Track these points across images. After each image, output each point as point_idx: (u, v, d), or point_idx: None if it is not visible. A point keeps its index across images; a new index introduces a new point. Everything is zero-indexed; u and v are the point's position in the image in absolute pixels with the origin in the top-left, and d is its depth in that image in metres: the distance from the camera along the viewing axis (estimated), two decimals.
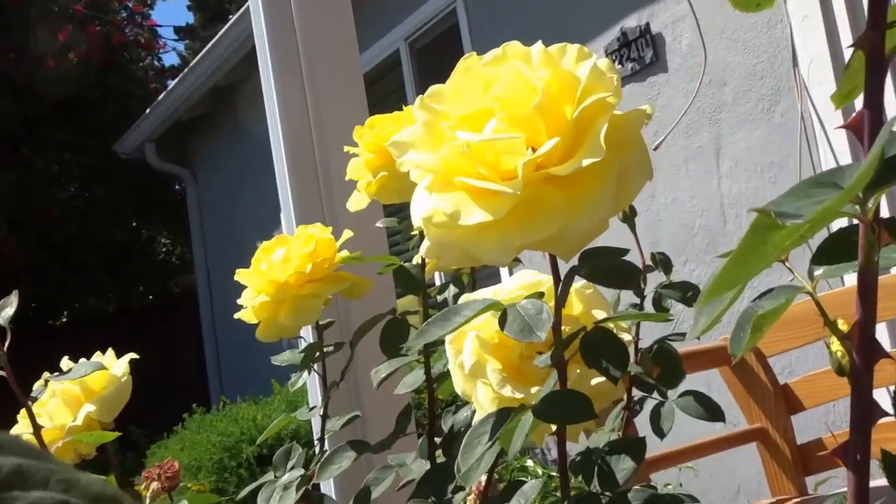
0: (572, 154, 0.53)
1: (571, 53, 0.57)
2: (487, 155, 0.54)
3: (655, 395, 0.91)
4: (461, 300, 0.67)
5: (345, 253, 1.03)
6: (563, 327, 0.64)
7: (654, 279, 0.92)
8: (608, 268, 0.62)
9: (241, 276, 0.98)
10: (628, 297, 0.91)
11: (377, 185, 0.96)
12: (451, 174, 0.55)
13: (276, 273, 0.96)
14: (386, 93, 5.29)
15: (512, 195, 0.52)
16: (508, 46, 0.58)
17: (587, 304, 0.74)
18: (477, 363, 0.71)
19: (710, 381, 1.94)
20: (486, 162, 0.54)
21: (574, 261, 0.60)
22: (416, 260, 1.02)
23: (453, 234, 0.55)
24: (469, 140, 0.54)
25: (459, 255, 0.56)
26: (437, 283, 4.30)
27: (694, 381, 0.97)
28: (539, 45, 0.57)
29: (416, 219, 0.57)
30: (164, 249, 10.42)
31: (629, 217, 0.94)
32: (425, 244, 0.58)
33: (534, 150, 0.54)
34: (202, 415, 5.09)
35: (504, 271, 4.21)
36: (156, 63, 11.13)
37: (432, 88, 0.60)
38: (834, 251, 0.40)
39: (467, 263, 0.57)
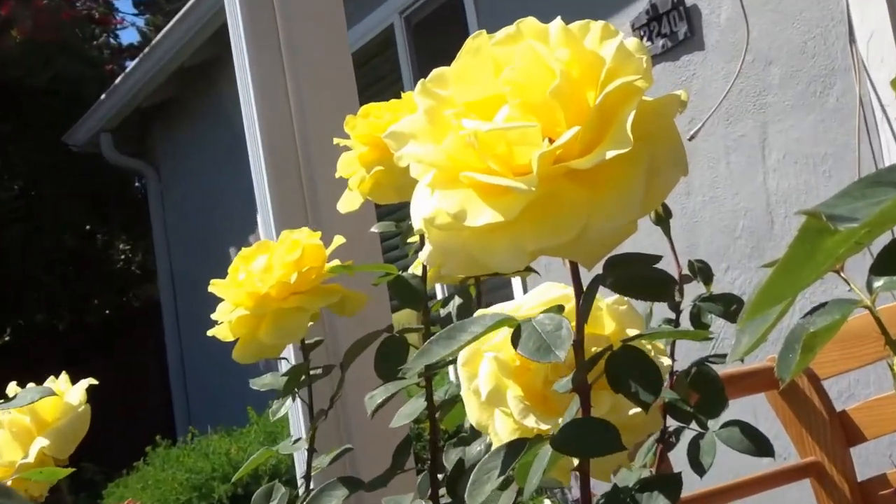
0: (595, 145, 0.53)
1: (595, 31, 0.57)
2: (498, 147, 0.55)
3: (693, 425, 0.91)
4: (475, 315, 0.67)
5: (335, 262, 1.03)
6: (591, 348, 0.64)
7: (692, 290, 0.92)
8: (638, 277, 0.63)
9: (216, 287, 0.99)
10: (662, 311, 0.92)
11: (372, 182, 0.97)
12: (456, 169, 0.56)
13: (257, 284, 0.96)
14: (378, 75, 5.31)
15: (526, 192, 0.52)
16: (523, 23, 0.58)
17: (621, 322, 0.74)
18: (495, 389, 0.72)
19: (757, 409, 1.94)
20: (496, 155, 0.55)
21: (598, 269, 0.60)
22: (415, 269, 1.03)
23: (459, 238, 0.56)
24: (477, 129, 0.55)
25: (465, 262, 0.56)
26: (440, 295, 4.32)
27: (738, 408, 0.98)
28: (558, 21, 0.58)
29: (417, 220, 0.58)
30: (122, 257, 10.43)
31: (662, 218, 0.95)
32: (426, 249, 0.58)
33: (551, 141, 0.55)
34: (167, 448, 5.10)
35: (516, 284, 4.21)
36: (112, 41, 11.17)
37: (436, 72, 0.61)
38: None
39: (475, 271, 0.58)
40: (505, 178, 0.53)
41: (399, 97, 1.01)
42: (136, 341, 9.01)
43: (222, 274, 1.00)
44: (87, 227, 9.85)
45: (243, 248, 1.04)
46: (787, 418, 1.77)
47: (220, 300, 1.01)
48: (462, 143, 0.56)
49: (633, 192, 0.53)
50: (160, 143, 7.82)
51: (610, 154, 0.51)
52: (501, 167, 0.54)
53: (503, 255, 0.54)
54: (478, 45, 0.59)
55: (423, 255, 0.58)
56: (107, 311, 9.77)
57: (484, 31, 0.60)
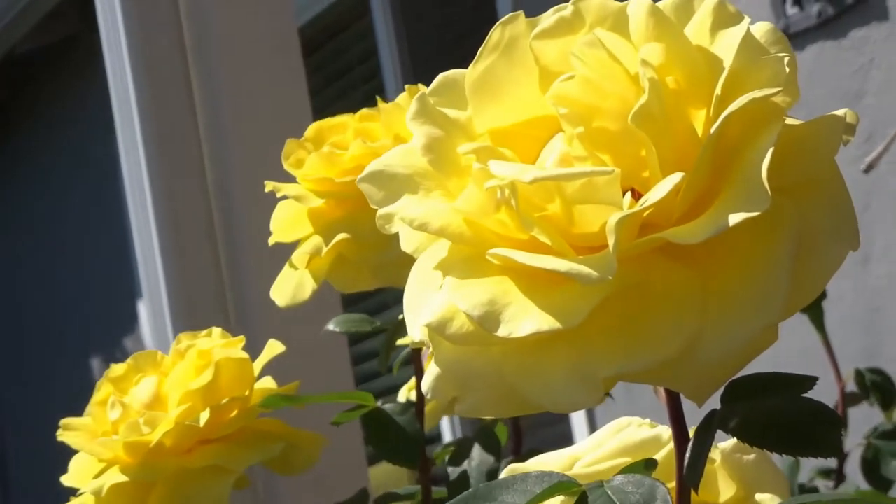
0: (708, 205, 0.54)
1: (704, 13, 0.58)
2: (550, 206, 0.56)
3: None
4: (504, 473, 0.67)
5: (268, 382, 1.04)
6: None
7: (863, 419, 0.93)
8: (777, 417, 0.63)
9: (70, 433, 0.99)
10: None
11: (332, 257, 0.97)
12: (481, 242, 0.57)
13: (141, 428, 0.96)
14: (344, 62, 5.33)
15: (599, 282, 0.52)
16: (585, 2, 0.59)
17: (747, 481, 0.74)
18: None
19: None
20: (547, 219, 0.56)
21: (712, 402, 0.61)
22: (404, 397, 1.03)
23: (487, 357, 0.57)
24: (515, 178, 0.55)
25: (498, 396, 0.57)
26: (446, 437, 4.30)
27: None
28: None
29: (416, 327, 0.58)
30: None
31: (812, 303, 0.96)
32: (431, 373, 0.59)
33: (636, 196, 0.56)
34: None
35: (578, 423, 4.20)
36: None
37: (443, 78, 0.62)
38: None
39: (513, 410, 0.58)
40: (563, 260, 0.53)
41: (377, 101, 1.01)
42: None
43: (77, 403, 1.00)
44: None
45: (113, 365, 1.04)
46: None
47: (74, 453, 1.01)
48: (490, 199, 0.56)
49: (772, 280, 0.53)
50: None
51: (735, 219, 0.51)
52: (555, 240, 0.55)
53: (561, 385, 0.54)
54: (512, 38, 0.60)
55: (425, 384, 0.58)
56: None
57: (521, 15, 0.61)
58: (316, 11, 5.21)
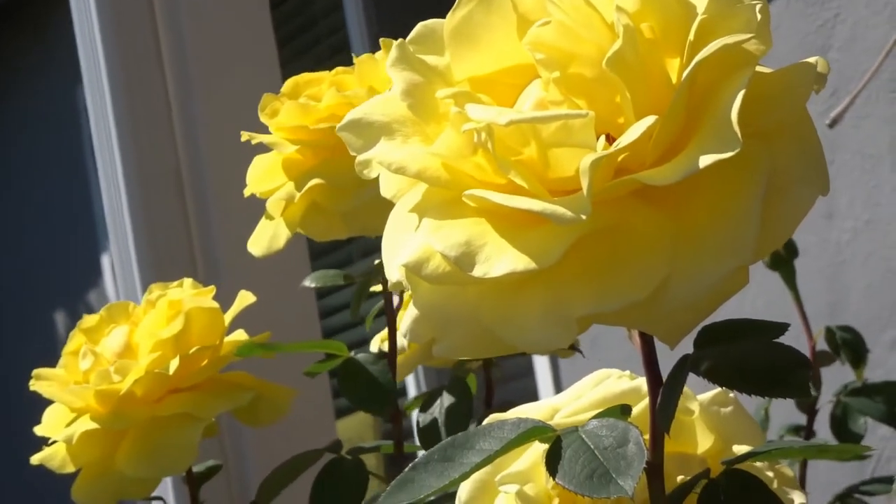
0: (681, 148, 0.55)
1: None
2: (526, 149, 0.56)
3: None
4: (486, 423, 0.68)
5: (239, 335, 1.04)
6: (677, 476, 0.66)
7: (833, 376, 0.94)
8: (749, 359, 0.64)
9: (42, 382, 0.99)
10: (785, 411, 0.94)
11: (305, 205, 0.97)
12: (458, 185, 0.57)
13: (112, 377, 0.97)
14: (308, 16, 5.31)
15: (573, 223, 0.53)
16: None
17: (725, 433, 0.75)
18: None
19: None
20: (523, 162, 0.56)
21: (684, 346, 0.62)
22: (376, 347, 1.04)
23: (463, 297, 0.57)
24: (492, 121, 0.56)
25: (474, 336, 0.58)
26: (411, 391, 4.30)
27: None
28: None
29: (394, 268, 0.59)
30: None
31: (782, 259, 0.97)
32: (410, 316, 0.60)
33: (610, 140, 0.56)
34: None
35: (542, 371, 4.20)
36: None
37: (422, 27, 0.63)
38: None
39: (489, 351, 0.59)
40: (539, 201, 0.54)
41: (344, 56, 1.02)
42: None
43: (40, 356, 1.00)
44: None
45: (85, 316, 1.04)
46: None
47: (45, 403, 1.01)
48: (467, 143, 0.57)
49: (743, 223, 0.54)
50: None
51: (706, 160, 0.52)
52: (531, 182, 0.55)
53: (536, 326, 0.55)
54: None
55: (403, 326, 0.58)
56: None
57: None
58: None
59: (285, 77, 1.05)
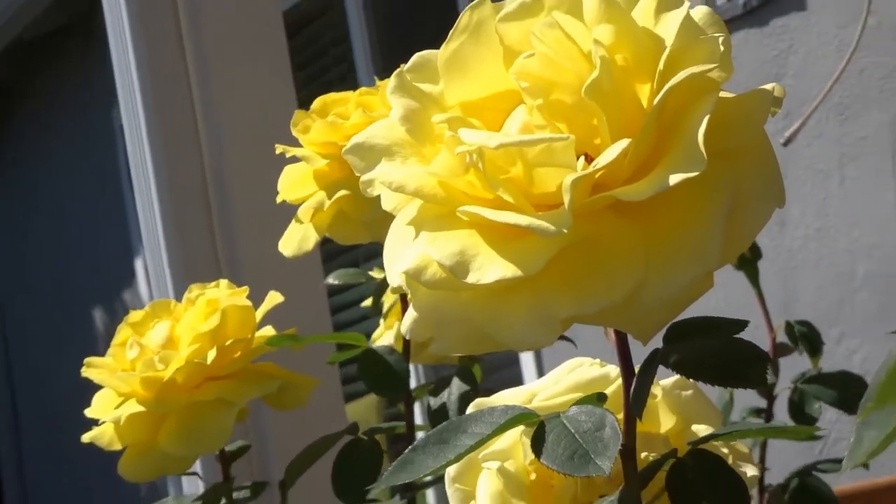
0: (652, 167, 0.54)
1: None
2: (513, 169, 0.56)
3: None
4: (471, 408, 0.68)
5: (268, 330, 1.04)
6: (641, 453, 0.65)
7: (791, 366, 0.94)
8: (714, 353, 0.64)
9: (93, 369, 1.00)
10: (746, 396, 0.94)
11: (333, 212, 0.98)
12: (452, 201, 0.57)
13: (156, 365, 0.98)
14: (319, 46, 5.33)
15: (555, 235, 0.53)
16: None
17: (685, 414, 0.75)
18: None
19: None
20: (510, 180, 0.56)
21: (656, 342, 0.61)
22: (386, 340, 1.04)
23: (457, 301, 0.57)
24: (482, 144, 0.56)
25: (467, 335, 0.57)
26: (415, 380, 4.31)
27: None
28: None
29: (395, 274, 0.59)
30: None
31: (748, 260, 0.96)
32: (409, 317, 0.59)
33: (588, 160, 0.56)
34: None
35: (526, 357, 4.21)
36: None
37: (418, 57, 0.62)
38: None
39: (480, 348, 0.58)
40: (525, 216, 0.54)
41: (350, 82, 1.02)
42: None
43: (81, 349, 1.00)
44: None
45: (132, 311, 1.05)
46: None
47: (89, 389, 1.01)
48: (460, 163, 0.57)
49: (708, 234, 0.54)
50: None
51: (675, 179, 0.52)
52: (517, 199, 0.55)
53: (523, 326, 0.55)
54: (479, 21, 0.61)
55: (404, 325, 0.58)
56: None
57: (487, 0, 0.61)
58: (294, 1, 5.21)
59: (298, 100, 1.05)
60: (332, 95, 1.03)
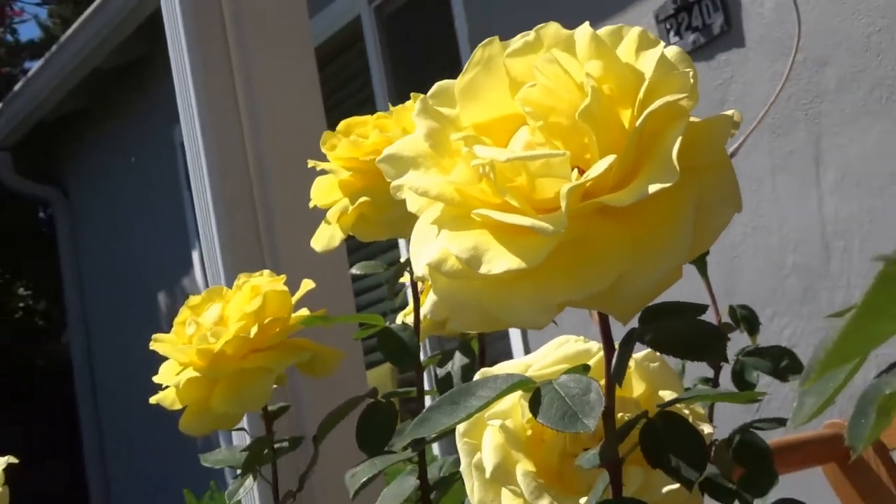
0: (633, 178, 0.56)
1: (630, 39, 0.60)
2: (518, 179, 0.58)
3: None
4: (476, 376, 0.69)
5: (303, 311, 1.06)
6: (618, 414, 0.67)
7: (733, 342, 0.96)
8: (682, 332, 0.66)
9: (159, 343, 1.02)
10: (694, 367, 0.95)
11: (356, 214, 0.99)
12: (468, 205, 0.59)
13: (209, 339, 0.99)
14: (341, 78, 5.35)
15: (553, 234, 0.55)
16: (544, 30, 0.61)
17: (653, 382, 0.77)
18: (502, 464, 0.73)
19: (812, 485, 1.96)
20: (516, 188, 0.57)
21: (632, 323, 0.63)
22: (401, 320, 1.05)
23: (471, 288, 0.58)
24: (493, 158, 0.57)
25: (478, 316, 0.59)
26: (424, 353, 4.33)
27: (789, 484, 1.00)
28: (586, 28, 0.61)
29: (420, 265, 0.60)
30: (22, 304, 10.38)
31: (699, 256, 0.97)
32: (431, 300, 0.61)
33: (581, 171, 0.57)
34: None
35: (514, 335, 4.23)
36: (9, 38, 11.15)
37: (439, 86, 0.64)
38: None
39: (490, 327, 0.60)
40: (528, 217, 0.55)
41: (370, 106, 1.03)
42: (39, 409, 8.94)
43: (148, 326, 1.02)
44: None
45: (191, 296, 1.07)
46: (849, 496, 1.78)
47: (154, 359, 1.03)
48: (474, 174, 0.58)
49: (679, 234, 0.56)
50: (70, 165, 7.80)
51: (653, 188, 0.54)
52: (522, 203, 0.57)
53: (525, 309, 0.57)
54: (489, 56, 0.63)
55: (426, 307, 0.60)
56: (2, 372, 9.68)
57: (496, 39, 0.63)
58: (322, 39, 5.22)
59: (328, 121, 1.07)
60: (354, 119, 1.04)
